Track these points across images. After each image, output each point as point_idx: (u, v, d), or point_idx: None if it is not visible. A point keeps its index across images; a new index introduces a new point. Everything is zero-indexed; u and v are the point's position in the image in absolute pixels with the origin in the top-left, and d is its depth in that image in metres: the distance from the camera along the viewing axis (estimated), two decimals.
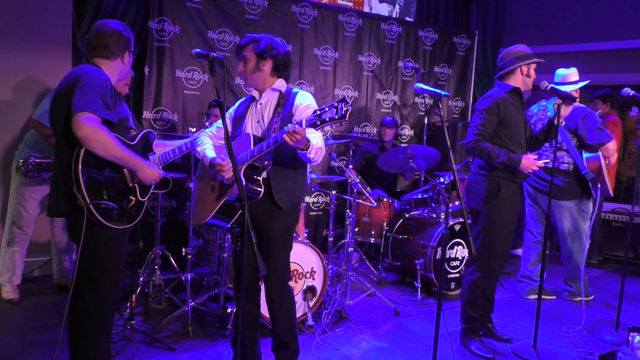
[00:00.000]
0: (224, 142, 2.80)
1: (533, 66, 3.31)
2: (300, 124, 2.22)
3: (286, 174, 2.62)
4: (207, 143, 2.77)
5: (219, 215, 2.67)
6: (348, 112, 2.17)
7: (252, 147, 2.49)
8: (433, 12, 6.47)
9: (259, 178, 2.55)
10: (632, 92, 3.65)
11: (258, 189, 2.54)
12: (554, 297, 4.52)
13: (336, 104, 2.19)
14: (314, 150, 2.40)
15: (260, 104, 2.70)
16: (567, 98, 3.25)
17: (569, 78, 4.21)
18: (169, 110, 4.65)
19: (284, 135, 2.26)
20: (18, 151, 3.72)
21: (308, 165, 2.75)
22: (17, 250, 3.76)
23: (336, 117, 2.18)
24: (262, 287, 2.80)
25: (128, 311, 3.31)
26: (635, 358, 1.72)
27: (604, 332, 3.72)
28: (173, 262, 3.95)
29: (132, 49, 2.48)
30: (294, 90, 2.71)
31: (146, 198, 2.46)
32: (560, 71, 4.28)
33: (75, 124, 2.11)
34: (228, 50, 4.86)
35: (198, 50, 2.15)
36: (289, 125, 2.24)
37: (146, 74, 4.52)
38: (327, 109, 2.20)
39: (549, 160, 3.28)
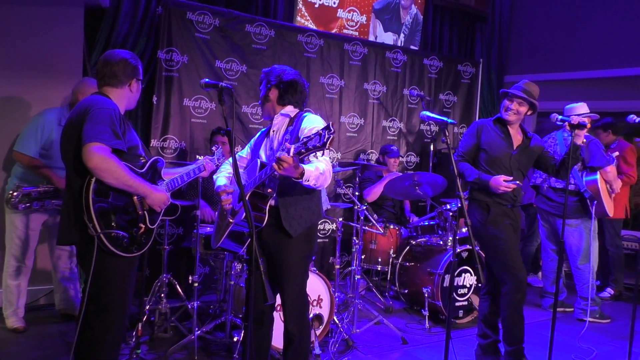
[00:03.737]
0: (243, 170, 2.87)
1: (510, 102, 3.38)
2: (288, 151, 2.20)
3: (296, 200, 2.61)
4: (224, 171, 2.85)
5: (230, 241, 2.68)
6: (329, 140, 2.12)
7: (257, 174, 2.51)
8: (438, 40, 6.57)
9: (264, 206, 2.54)
10: (637, 119, 3.67)
11: (262, 215, 2.53)
12: (572, 309, 4.77)
13: (320, 132, 2.15)
14: (313, 177, 2.36)
15: (273, 131, 2.75)
16: (577, 126, 3.26)
17: (577, 111, 4.34)
18: (177, 139, 4.70)
19: (273, 164, 2.24)
20: (7, 184, 3.72)
21: (323, 190, 2.75)
22: (18, 283, 3.72)
23: (318, 144, 2.15)
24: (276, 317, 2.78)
25: (134, 340, 3.29)
26: None
27: None
28: (179, 290, 3.93)
29: (141, 77, 2.53)
30: (304, 114, 2.70)
31: (155, 225, 2.47)
32: (569, 106, 4.46)
33: (86, 155, 2.15)
34: (235, 79, 4.93)
35: (207, 80, 2.19)
36: (278, 153, 2.23)
37: (154, 102, 4.59)
38: (312, 137, 2.17)
39: (520, 184, 3.35)
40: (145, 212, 2.39)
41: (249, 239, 2.59)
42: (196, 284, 3.64)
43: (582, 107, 4.37)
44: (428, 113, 2.76)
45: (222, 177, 2.80)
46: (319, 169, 2.41)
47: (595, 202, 4.43)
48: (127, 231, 2.29)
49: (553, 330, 3.33)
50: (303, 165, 2.33)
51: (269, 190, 2.53)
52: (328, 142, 2.12)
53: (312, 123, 2.58)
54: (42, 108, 3.81)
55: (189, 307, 3.72)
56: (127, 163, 2.30)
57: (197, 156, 3.55)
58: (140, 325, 3.31)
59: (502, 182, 3.23)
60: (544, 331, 4.16)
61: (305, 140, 2.19)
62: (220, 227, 2.76)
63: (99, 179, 2.18)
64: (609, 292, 5.39)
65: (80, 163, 2.18)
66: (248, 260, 1.90)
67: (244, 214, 2.48)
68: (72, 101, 3.66)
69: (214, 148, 3.06)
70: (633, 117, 3.72)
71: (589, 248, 4.52)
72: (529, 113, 3.44)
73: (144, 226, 2.38)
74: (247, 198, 2.53)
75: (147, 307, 3.70)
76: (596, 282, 5.25)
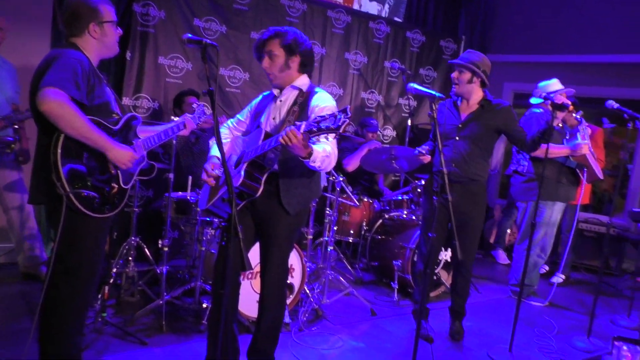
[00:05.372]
0: (241, 134, 2.74)
1: (456, 73, 3.42)
2: (298, 127, 2.11)
3: (299, 179, 2.52)
4: (222, 138, 2.71)
5: (220, 205, 2.59)
6: (344, 124, 2.04)
7: (259, 144, 2.39)
8: (423, 14, 6.47)
9: (260, 177, 2.44)
10: (616, 105, 3.71)
11: (257, 187, 2.43)
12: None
13: (336, 114, 2.05)
14: (319, 158, 2.27)
15: (280, 100, 2.58)
16: (559, 107, 3.26)
17: (552, 88, 4.28)
18: (150, 98, 4.53)
19: (279, 137, 2.15)
20: None
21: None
22: None
23: (332, 126, 2.05)
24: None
25: (99, 303, 3.19)
26: None
27: (576, 338, 3.77)
28: (148, 253, 3.84)
29: (106, 19, 2.27)
30: (316, 89, 2.56)
31: (129, 186, 2.36)
32: (542, 83, 4.38)
33: (39, 98, 1.97)
34: (214, 40, 4.75)
35: (190, 35, 2.05)
36: (287, 127, 2.14)
37: (128, 58, 4.39)
38: (326, 117, 2.08)
39: (423, 152, 3.40)
40: (118, 171, 2.28)
41: (241, 204, 2.52)
42: (165, 249, 3.56)
43: (556, 84, 4.32)
44: (416, 85, 2.70)
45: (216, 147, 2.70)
46: (326, 150, 2.30)
47: (585, 170, 4.35)
48: (98, 191, 2.18)
49: (518, 307, 3.42)
50: (311, 145, 2.22)
51: (270, 162, 2.42)
52: (343, 126, 2.02)
53: (324, 102, 2.46)
54: (8, 55, 3.60)
55: (158, 271, 3.65)
56: (98, 118, 2.17)
57: (172, 117, 3.41)
58: (106, 288, 3.22)
59: (416, 152, 3.36)
60: (509, 308, 4.26)
61: (318, 119, 2.08)
62: (212, 190, 2.67)
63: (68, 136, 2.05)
64: (560, 276, 5.37)
65: (46, 118, 2.04)
66: (226, 226, 1.83)
67: (239, 181, 2.38)
68: None
69: (194, 105, 2.91)
70: (611, 103, 3.75)
71: (529, 229, 4.40)
72: (475, 81, 3.36)
73: (116, 186, 2.27)
74: (245, 166, 2.42)
75: (114, 270, 3.60)
76: (542, 268, 5.32)
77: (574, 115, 4.27)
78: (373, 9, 5.89)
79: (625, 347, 1.76)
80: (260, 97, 2.76)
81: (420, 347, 2.60)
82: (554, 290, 4.41)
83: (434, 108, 2.51)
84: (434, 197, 3.36)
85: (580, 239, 5.79)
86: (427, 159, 3.38)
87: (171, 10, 4.50)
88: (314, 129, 2.08)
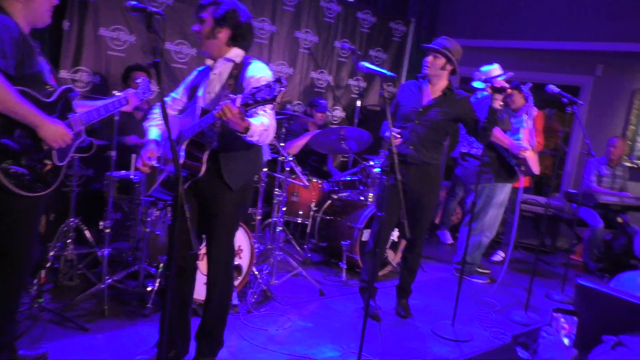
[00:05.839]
0: (178, 113, 2.61)
1: (430, 58, 3.43)
2: (233, 101, 2.05)
3: (238, 152, 2.45)
4: (155, 119, 2.58)
5: (163, 188, 2.49)
6: (280, 93, 2.00)
7: (196, 122, 2.31)
8: None
9: (201, 156, 2.36)
10: (556, 89, 3.85)
11: (199, 166, 2.36)
12: (488, 271, 4.92)
13: (271, 84, 2.01)
14: (257, 132, 2.22)
15: (215, 74, 2.49)
16: (498, 90, 3.34)
17: (493, 73, 4.40)
18: (90, 71, 4.28)
19: (215, 113, 2.08)
20: None
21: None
22: None
23: (268, 97, 2.01)
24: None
25: (35, 288, 3.02)
26: (558, 338, 1.81)
27: (514, 313, 3.95)
28: (88, 235, 3.67)
29: None
30: (251, 61, 2.48)
31: (64, 162, 2.22)
32: (484, 68, 4.48)
33: None
34: (160, 10, 4.53)
35: (134, 2, 1.91)
36: (222, 102, 2.07)
37: (65, 29, 4.11)
38: (262, 88, 2.03)
39: (397, 133, 3.35)
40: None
41: (185, 185, 2.43)
42: (107, 230, 3.41)
43: (497, 69, 4.43)
44: (367, 64, 2.68)
45: (154, 128, 2.55)
46: (264, 124, 2.25)
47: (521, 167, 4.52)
48: (29, 167, 2.04)
49: (460, 284, 3.53)
50: (249, 119, 2.16)
51: (209, 139, 2.34)
52: (279, 96, 1.98)
53: (260, 72, 2.40)
54: None
55: (99, 254, 3.49)
56: (29, 90, 2.02)
57: (114, 92, 3.23)
58: (43, 272, 3.06)
59: (390, 133, 3.30)
60: (452, 285, 4.39)
61: (253, 91, 2.02)
62: (154, 174, 2.55)
63: None
64: (500, 255, 5.57)
65: None
66: (173, 205, 1.75)
67: (180, 163, 2.30)
68: None
69: (139, 80, 2.77)
70: (552, 87, 3.89)
71: (485, 213, 4.61)
72: (447, 68, 3.43)
73: (50, 163, 2.13)
74: (184, 146, 2.34)
75: (52, 254, 3.41)
76: (496, 252, 5.57)
77: (522, 88, 4.44)
78: None
79: (563, 319, 1.84)
80: (195, 72, 2.65)
81: (368, 325, 2.63)
82: (504, 269, 4.56)
83: (385, 87, 2.50)
84: (383, 177, 3.40)
85: (520, 219, 6.04)
86: (399, 141, 3.37)
87: None
88: (250, 102, 2.03)
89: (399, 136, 3.31)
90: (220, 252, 2.54)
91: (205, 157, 2.37)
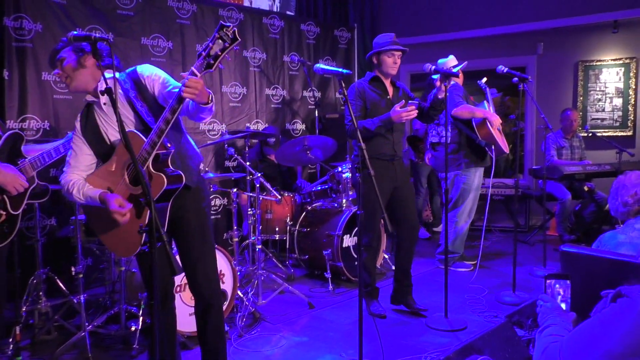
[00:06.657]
0: (90, 173, 2.28)
1: (385, 56, 3.55)
2: (191, 73, 1.93)
3: (183, 149, 2.33)
4: (77, 183, 2.22)
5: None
6: (235, 32, 1.91)
7: (145, 139, 2.10)
8: (312, 6, 6.54)
9: (171, 166, 2.21)
10: (505, 69, 3.95)
11: (178, 173, 2.20)
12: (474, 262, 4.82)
13: (217, 34, 1.91)
14: (211, 95, 2.10)
15: (105, 103, 2.22)
16: (449, 75, 3.41)
17: (449, 64, 4.51)
18: (38, 118, 4.13)
19: (183, 93, 1.92)
20: None
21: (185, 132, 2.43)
22: None
23: (227, 44, 1.91)
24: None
25: (12, 347, 2.86)
26: (555, 303, 1.81)
27: (503, 294, 3.97)
28: (60, 284, 3.50)
29: None
30: (127, 70, 2.30)
31: (19, 211, 2.11)
32: (441, 60, 4.61)
33: None
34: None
35: (76, 32, 1.85)
36: (183, 80, 1.93)
37: (6, 78, 3.97)
38: (211, 45, 1.92)
39: (414, 107, 3.38)
40: (4, 196, 2.02)
41: (170, 203, 2.25)
42: (80, 275, 3.26)
43: (452, 60, 4.58)
44: (322, 65, 2.69)
45: (90, 188, 2.21)
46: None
47: (492, 147, 4.57)
48: None
49: (447, 274, 3.53)
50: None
51: (169, 144, 2.20)
52: (236, 33, 1.91)
53: (148, 69, 2.26)
54: None
55: (75, 301, 3.33)
56: None
57: (68, 132, 3.12)
58: (17, 329, 2.89)
59: (399, 110, 3.33)
60: (439, 277, 4.40)
61: (203, 53, 1.93)
62: (127, 232, 2.23)
63: None
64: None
65: None
66: (148, 231, 1.67)
67: (164, 184, 2.15)
68: None
69: None
70: (501, 68, 4.00)
71: (460, 199, 4.68)
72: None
73: (4, 212, 2.02)
74: (151, 167, 2.14)
75: (24, 309, 3.24)
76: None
77: (479, 84, 4.57)
78: (264, 4, 5.85)
79: (557, 285, 1.84)
80: (77, 123, 2.28)
81: (365, 328, 2.58)
82: (479, 253, 4.58)
83: (343, 85, 2.50)
84: (357, 175, 3.41)
85: (491, 203, 6.14)
86: (413, 114, 3.35)
87: (48, 22, 4.14)
88: (211, 62, 1.94)
89: (411, 107, 3.35)
90: (207, 266, 2.42)
91: (170, 168, 2.21)
